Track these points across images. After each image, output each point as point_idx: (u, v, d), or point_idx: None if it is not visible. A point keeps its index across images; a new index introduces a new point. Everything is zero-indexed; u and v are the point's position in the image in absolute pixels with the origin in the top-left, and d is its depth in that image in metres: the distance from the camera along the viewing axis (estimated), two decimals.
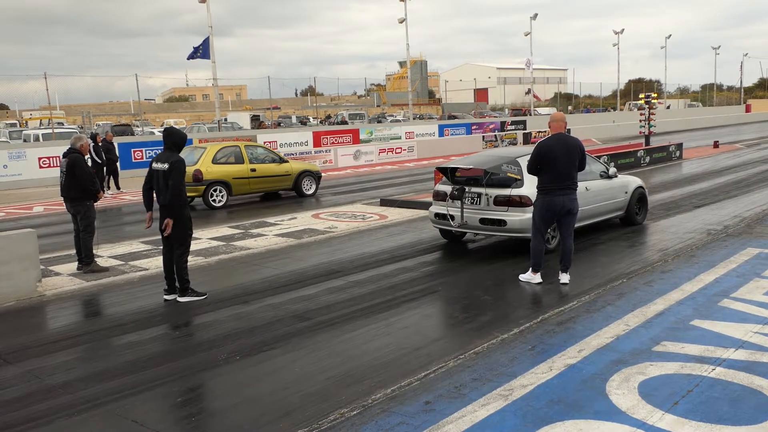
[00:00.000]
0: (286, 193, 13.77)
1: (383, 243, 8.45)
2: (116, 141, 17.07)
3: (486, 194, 7.38)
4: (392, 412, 3.55)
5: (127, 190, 15.57)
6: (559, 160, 6.03)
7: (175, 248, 5.97)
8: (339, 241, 8.63)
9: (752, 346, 4.39)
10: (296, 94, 68.35)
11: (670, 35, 55.10)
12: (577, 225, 7.54)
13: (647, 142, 20.09)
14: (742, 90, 69.77)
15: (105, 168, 14.55)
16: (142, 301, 6.05)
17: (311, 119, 45.34)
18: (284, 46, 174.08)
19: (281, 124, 39.34)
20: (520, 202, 7.23)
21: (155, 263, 7.39)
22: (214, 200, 12.36)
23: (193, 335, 5.11)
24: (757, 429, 3.27)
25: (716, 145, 22.84)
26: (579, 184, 6.80)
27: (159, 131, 28.22)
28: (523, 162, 7.43)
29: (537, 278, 6.30)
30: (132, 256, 7.98)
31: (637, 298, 5.68)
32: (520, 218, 7.22)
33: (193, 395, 3.96)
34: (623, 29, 48.33)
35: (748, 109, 59.18)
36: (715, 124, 43.27)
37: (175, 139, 5.98)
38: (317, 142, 23.74)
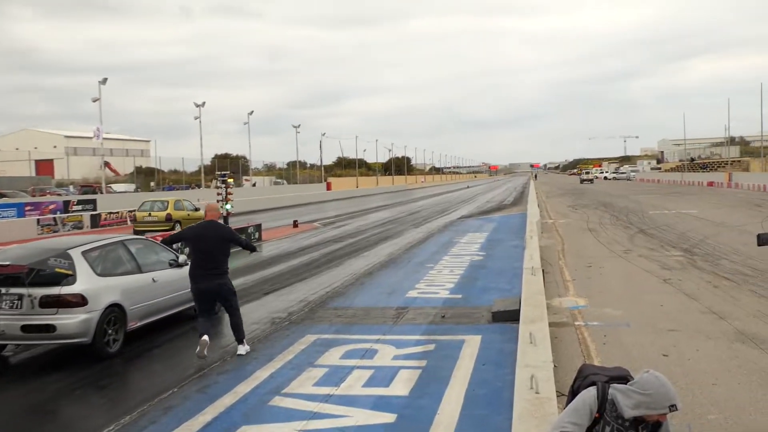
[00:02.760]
0: None
1: None
2: None
3: (30, 295, 7.13)
4: None
5: None
6: (203, 246, 7.39)
7: None
8: None
9: None
10: None
11: (252, 111, 62.38)
12: (141, 323, 8.12)
13: (226, 224, 21.63)
14: (323, 168, 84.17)
15: None
16: None
17: None
18: None
19: None
20: (73, 302, 7.15)
21: None
22: None
23: None
24: None
25: (296, 224, 26.27)
26: (144, 275, 8.21)
27: None
28: (76, 254, 7.57)
29: (204, 342, 7.26)
30: None
31: (185, 410, 5.73)
32: (74, 321, 7.17)
33: None
34: (204, 102, 52.37)
35: (329, 187, 71.37)
36: (299, 202, 50.21)
37: None
38: None
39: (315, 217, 32.54)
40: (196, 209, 25.17)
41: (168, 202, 24.93)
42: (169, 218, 24.14)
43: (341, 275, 13.56)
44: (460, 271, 13.37)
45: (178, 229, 22.32)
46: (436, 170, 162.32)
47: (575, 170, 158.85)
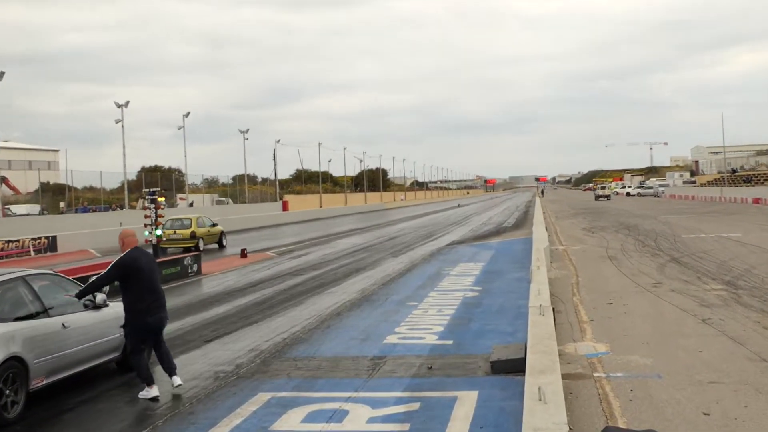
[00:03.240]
0: None
1: None
2: None
3: None
4: None
5: None
6: (146, 273, 8.25)
7: None
8: None
9: None
10: None
11: (189, 113, 61.85)
12: (48, 380, 8.16)
13: (156, 254, 21.51)
14: (278, 184, 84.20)
15: None
16: None
17: None
18: None
19: None
20: None
21: None
22: None
23: None
24: None
25: (244, 254, 26.19)
26: (52, 320, 8.38)
27: None
28: None
29: (154, 391, 8.19)
30: None
31: None
32: None
33: None
34: (128, 101, 52.01)
35: (285, 207, 71.23)
36: (249, 226, 49.97)
37: None
38: None
39: (269, 245, 32.39)
40: (214, 224, 32.53)
41: (191, 219, 31.55)
42: (193, 236, 30.33)
43: (302, 317, 13.52)
44: (450, 311, 13.40)
45: (201, 246, 29.76)
46: (420, 185, 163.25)
47: (590, 185, 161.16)
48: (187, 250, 27.86)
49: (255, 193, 77.63)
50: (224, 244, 32.72)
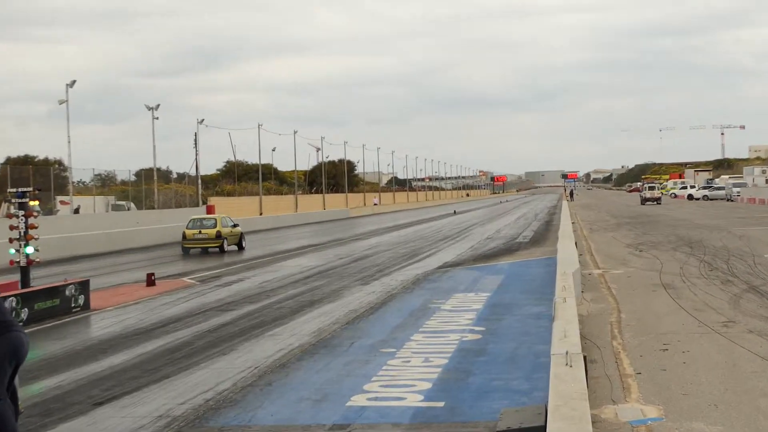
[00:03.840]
0: None
1: None
2: None
3: None
4: None
5: None
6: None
7: None
8: None
9: None
10: None
11: (75, 81, 60.25)
12: None
13: (24, 280, 21.25)
14: (201, 181, 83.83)
15: None
16: None
17: None
18: None
19: None
20: None
21: None
22: None
23: None
24: None
25: (151, 280, 26.03)
26: None
27: None
28: None
29: None
30: None
31: None
32: None
33: None
34: None
35: (210, 212, 71.02)
36: (158, 241, 49.76)
37: None
38: None
39: (187, 268, 32.26)
40: (235, 225, 43.28)
41: (215, 219, 42.63)
42: (219, 235, 40.96)
43: (232, 370, 13.44)
44: (441, 360, 13.39)
45: (226, 247, 41.20)
46: (401, 184, 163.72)
47: (639, 184, 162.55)
48: (205, 250, 40.78)
49: (168, 195, 77.14)
50: (243, 245, 42.91)
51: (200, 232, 40.67)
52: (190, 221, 42.17)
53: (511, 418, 9.30)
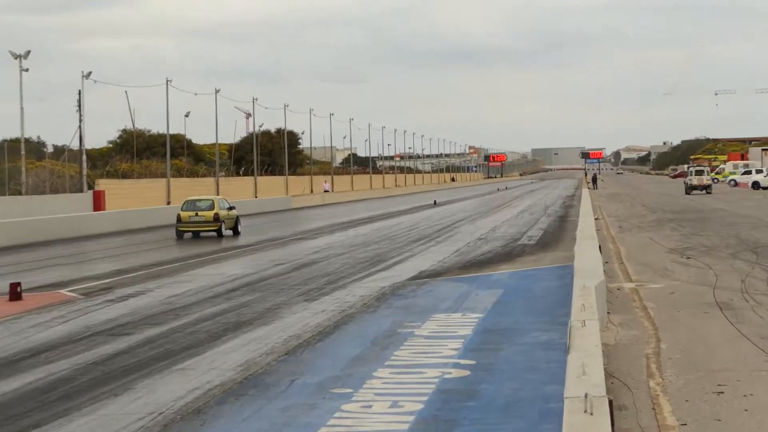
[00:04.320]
0: None
1: None
2: None
3: None
4: None
5: None
6: None
7: None
8: None
9: None
10: None
11: None
12: None
13: None
14: (86, 158, 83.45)
15: None
16: None
17: None
18: None
19: None
20: None
21: None
22: None
23: None
24: None
25: (16, 293, 25.92)
26: None
27: None
28: None
29: None
30: None
31: None
32: None
33: None
34: None
35: (98, 202, 70.69)
36: (28, 240, 49.70)
37: None
38: None
39: (66, 276, 32.33)
40: (231, 207, 52.76)
41: (213, 201, 52.12)
42: (216, 218, 50.52)
43: (128, 417, 13.40)
44: (415, 405, 13.42)
45: (224, 231, 51.04)
46: (361, 164, 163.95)
47: (686, 167, 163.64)
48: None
49: (42, 176, 76.99)
50: (239, 230, 52.48)
51: (196, 215, 49.88)
52: (184, 203, 52.01)
53: None
